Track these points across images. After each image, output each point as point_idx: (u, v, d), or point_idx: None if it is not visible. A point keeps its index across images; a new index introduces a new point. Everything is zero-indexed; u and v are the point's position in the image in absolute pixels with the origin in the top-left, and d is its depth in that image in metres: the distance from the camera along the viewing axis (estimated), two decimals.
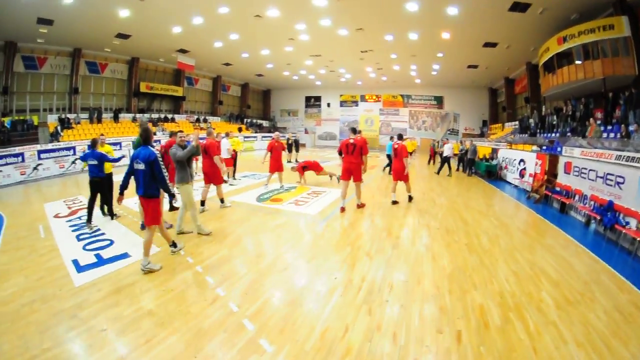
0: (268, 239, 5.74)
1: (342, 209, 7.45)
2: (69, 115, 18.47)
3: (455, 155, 16.40)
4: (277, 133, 11.58)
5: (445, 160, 14.14)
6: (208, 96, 30.37)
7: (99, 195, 6.77)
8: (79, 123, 18.46)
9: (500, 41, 15.84)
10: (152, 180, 4.23)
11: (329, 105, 35.30)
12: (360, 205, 7.78)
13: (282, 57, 21.88)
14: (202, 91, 29.60)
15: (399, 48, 18.37)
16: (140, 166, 4.22)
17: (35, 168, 13.97)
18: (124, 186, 4.39)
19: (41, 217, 7.50)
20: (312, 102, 36.28)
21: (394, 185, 8.55)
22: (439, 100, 31.11)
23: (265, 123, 35.29)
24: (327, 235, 6.01)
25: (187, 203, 5.61)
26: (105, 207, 7.14)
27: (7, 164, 13.07)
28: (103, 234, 6.01)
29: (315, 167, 11.03)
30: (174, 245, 4.92)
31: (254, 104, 36.55)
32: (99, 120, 19.58)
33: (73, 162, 14.92)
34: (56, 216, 7.43)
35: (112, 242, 5.49)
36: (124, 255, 4.87)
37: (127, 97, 23.01)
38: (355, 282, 4.07)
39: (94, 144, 6.70)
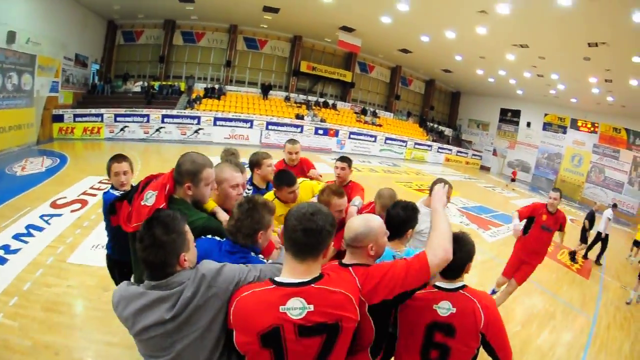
0: None
1: None
2: (216, 86, 20.65)
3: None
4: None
5: (599, 239, 8.68)
6: (384, 87, 28.51)
7: None
8: (224, 94, 20.22)
9: None
10: None
11: (529, 125, 27.45)
12: None
13: (474, 44, 17.35)
14: (377, 80, 27.90)
15: None
16: None
17: (157, 130, 16.61)
18: None
19: (51, 194, 7.50)
20: (509, 116, 29.05)
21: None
22: None
23: (447, 131, 30.91)
24: None
25: None
26: None
27: (134, 122, 16.33)
28: None
29: None
30: None
31: (439, 105, 32.50)
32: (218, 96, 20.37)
33: (195, 132, 17.27)
34: (53, 204, 7.10)
35: None
36: None
37: (287, 75, 23.61)
38: None
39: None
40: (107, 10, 17.43)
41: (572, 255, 8.68)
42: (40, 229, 5.82)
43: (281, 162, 3.98)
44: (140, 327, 1.37)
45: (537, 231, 4.71)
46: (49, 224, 6.06)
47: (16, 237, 5.43)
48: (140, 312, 1.37)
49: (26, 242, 5.30)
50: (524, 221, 4.83)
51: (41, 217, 6.29)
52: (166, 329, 1.36)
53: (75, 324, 3.78)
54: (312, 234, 1.41)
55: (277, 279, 1.44)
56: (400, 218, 2.28)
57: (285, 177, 2.97)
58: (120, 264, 3.07)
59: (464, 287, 1.88)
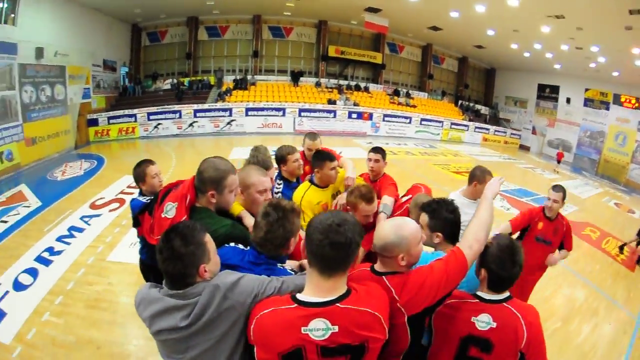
0: None
1: None
2: (245, 77, 20.89)
3: None
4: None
5: None
6: (415, 67, 27.79)
7: None
8: (253, 84, 20.48)
9: None
10: None
11: (568, 101, 25.78)
12: None
13: (506, 17, 16.64)
14: (407, 61, 27.18)
15: None
16: None
17: (190, 125, 17.27)
18: None
19: (90, 195, 7.90)
20: (547, 92, 27.49)
21: None
22: None
23: (484, 110, 29.85)
24: None
25: None
26: None
27: (166, 119, 16.98)
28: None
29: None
30: None
31: (474, 83, 31.26)
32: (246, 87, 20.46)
33: (228, 123, 17.82)
34: (92, 205, 7.46)
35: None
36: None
37: (316, 60, 23.49)
38: None
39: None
40: (130, 14, 17.92)
41: (622, 247, 8.11)
42: (81, 230, 6.19)
43: (301, 154, 3.57)
44: (156, 330, 1.41)
45: (530, 244, 3.55)
46: (89, 224, 6.43)
47: (59, 239, 5.81)
48: (157, 316, 1.39)
49: (68, 244, 5.67)
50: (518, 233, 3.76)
51: (81, 218, 6.68)
52: (180, 335, 1.39)
53: (116, 319, 4.01)
54: (341, 248, 1.27)
55: (299, 296, 1.33)
56: (454, 222, 2.04)
57: (325, 153, 2.95)
58: (154, 269, 3.13)
59: (508, 299, 1.66)
